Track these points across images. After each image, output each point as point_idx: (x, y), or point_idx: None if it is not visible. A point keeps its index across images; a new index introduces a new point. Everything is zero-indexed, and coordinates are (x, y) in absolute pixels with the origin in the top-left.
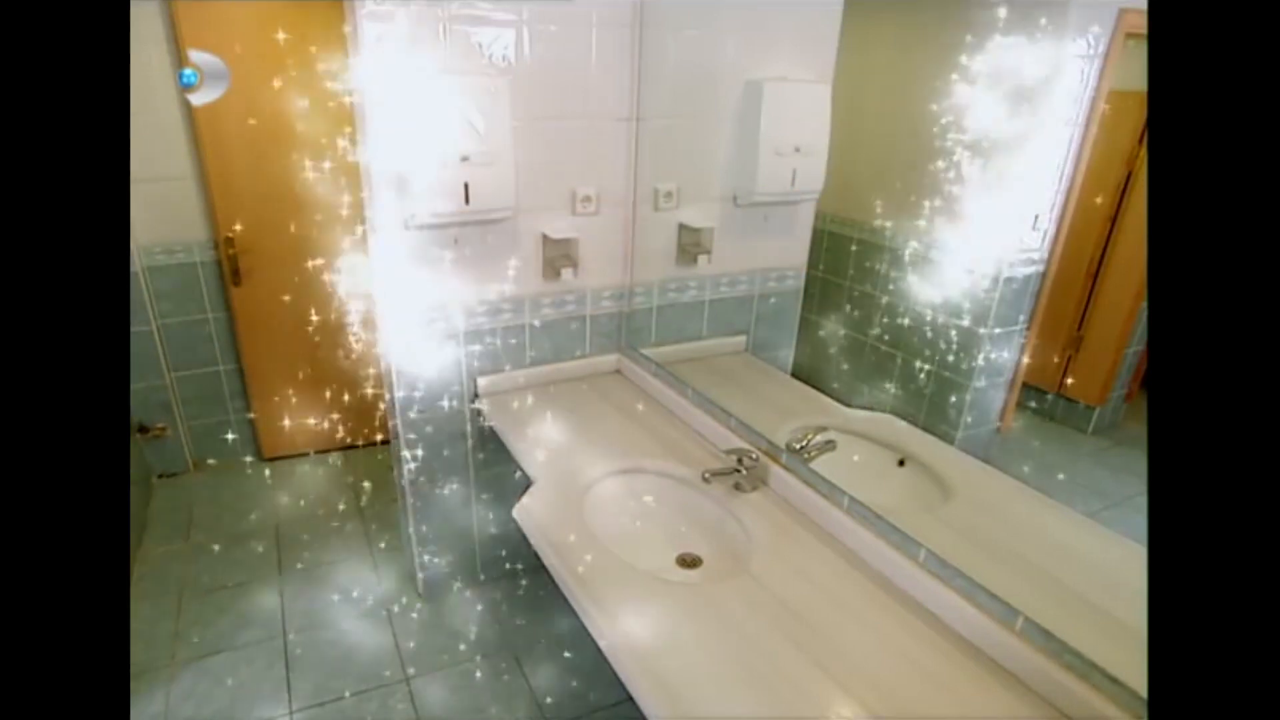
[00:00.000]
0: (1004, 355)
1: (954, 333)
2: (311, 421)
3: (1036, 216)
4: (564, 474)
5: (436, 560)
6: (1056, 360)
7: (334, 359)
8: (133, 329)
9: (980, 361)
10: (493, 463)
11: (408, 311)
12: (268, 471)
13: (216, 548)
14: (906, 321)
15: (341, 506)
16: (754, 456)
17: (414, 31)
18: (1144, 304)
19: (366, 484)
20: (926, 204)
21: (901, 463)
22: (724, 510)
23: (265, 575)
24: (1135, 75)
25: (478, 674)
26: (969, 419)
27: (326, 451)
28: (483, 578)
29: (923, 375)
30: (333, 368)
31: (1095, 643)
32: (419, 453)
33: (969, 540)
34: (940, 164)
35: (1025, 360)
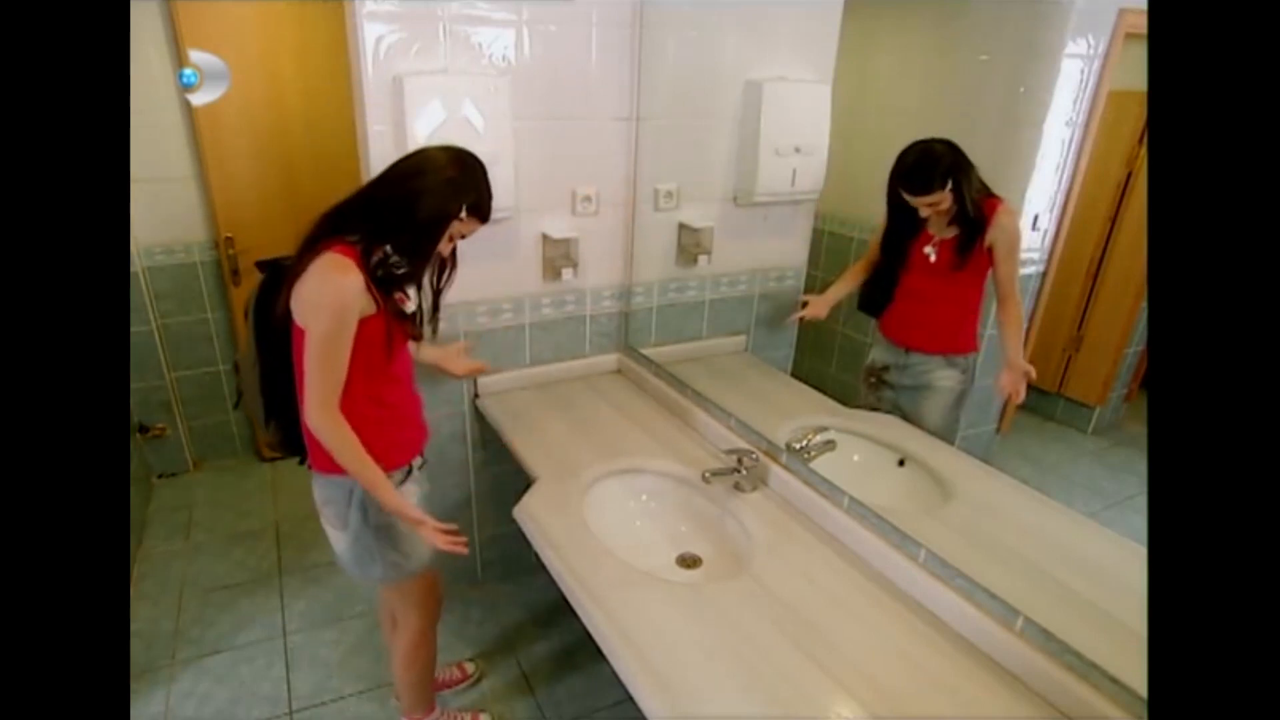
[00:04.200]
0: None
1: None
2: None
3: (1036, 216)
4: (564, 474)
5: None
6: (1056, 360)
7: None
8: (133, 329)
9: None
10: (493, 463)
11: None
12: (268, 471)
13: (216, 548)
14: None
15: None
16: (754, 456)
17: (414, 31)
18: (1144, 304)
19: None
20: None
21: (901, 463)
22: (724, 510)
23: (265, 575)
24: (1135, 75)
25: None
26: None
27: None
28: (482, 578)
29: None
30: None
31: (1095, 643)
32: None
33: (969, 540)
34: None
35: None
